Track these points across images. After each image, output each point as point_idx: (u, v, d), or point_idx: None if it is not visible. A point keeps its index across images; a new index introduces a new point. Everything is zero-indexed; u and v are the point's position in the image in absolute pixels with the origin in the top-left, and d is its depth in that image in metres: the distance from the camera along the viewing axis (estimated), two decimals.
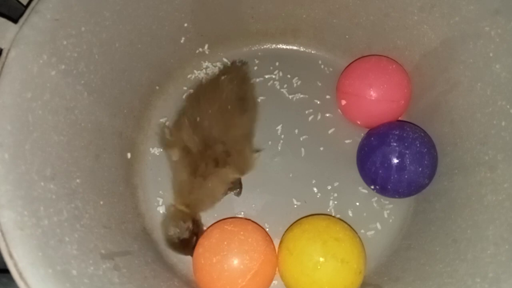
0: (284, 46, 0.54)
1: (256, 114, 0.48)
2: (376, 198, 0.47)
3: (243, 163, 0.44)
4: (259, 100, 0.51)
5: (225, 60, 0.53)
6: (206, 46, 0.53)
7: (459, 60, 0.41)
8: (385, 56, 0.49)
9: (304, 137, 0.49)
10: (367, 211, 0.46)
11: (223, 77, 0.46)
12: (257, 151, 0.46)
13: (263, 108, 0.51)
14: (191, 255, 0.42)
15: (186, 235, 0.42)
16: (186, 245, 0.42)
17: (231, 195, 0.47)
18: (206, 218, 0.46)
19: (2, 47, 0.32)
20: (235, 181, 0.45)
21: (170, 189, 0.46)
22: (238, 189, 0.46)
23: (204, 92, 0.46)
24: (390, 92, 0.46)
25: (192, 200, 0.42)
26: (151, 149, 0.49)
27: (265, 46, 0.54)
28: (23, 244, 0.28)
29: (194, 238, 0.42)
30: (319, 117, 0.51)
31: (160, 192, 0.47)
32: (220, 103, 0.43)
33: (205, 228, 0.45)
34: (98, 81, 0.40)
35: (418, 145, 0.42)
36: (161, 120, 0.50)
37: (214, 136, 0.42)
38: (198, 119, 0.43)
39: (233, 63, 0.51)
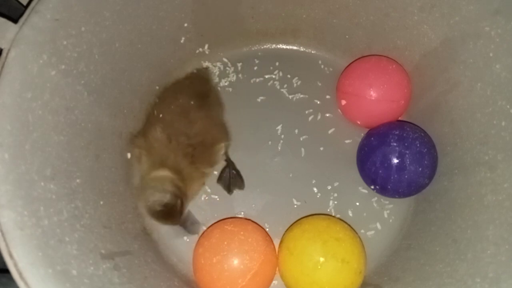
0: (284, 46, 0.54)
1: (220, 108, 0.48)
2: (376, 198, 0.47)
3: (210, 155, 0.43)
4: (259, 100, 0.51)
5: (225, 60, 0.53)
6: (206, 46, 0.53)
7: (459, 60, 0.41)
8: (385, 56, 0.49)
9: (304, 137, 0.49)
10: (367, 211, 0.46)
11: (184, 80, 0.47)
12: (226, 142, 0.45)
13: (263, 108, 0.51)
14: (179, 223, 0.39)
15: (167, 198, 0.37)
16: (171, 211, 0.38)
17: (235, 193, 0.47)
18: (206, 218, 0.46)
19: (2, 47, 0.32)
20: (233, 176, 0.45)
21: None
22: (240, 180, 0.46)
23: (167, 93, 0.46)
24: (390, 92, 0.46)
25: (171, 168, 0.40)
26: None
27: (265, 46, 0.54)
28: (23, 244, 0.28)
29: (179, 201, 0.38)
30: (319, 117, 0.51)
31: None
32: (182, 100, 0.43)
33: (204, 228, 0.45)
34: (98, 81, 0.40)
35: (418, 145, 0.42)
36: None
37: (178, 130, 0.41)
38: (160, 115, 0.43)
39: (198, 69, 0.51)
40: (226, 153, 0.46)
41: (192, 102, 0.43)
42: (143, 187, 0.39)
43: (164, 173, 0.39)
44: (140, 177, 0.42)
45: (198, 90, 0.46)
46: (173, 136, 0.41)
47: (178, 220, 0.39)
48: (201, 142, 0.42)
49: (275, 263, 0.41)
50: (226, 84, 0.52)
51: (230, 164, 0.47)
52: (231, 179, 0.46)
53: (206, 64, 0.53)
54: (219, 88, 0.52)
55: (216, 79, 0.52)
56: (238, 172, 0.47)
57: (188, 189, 0.41)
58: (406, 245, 0.44)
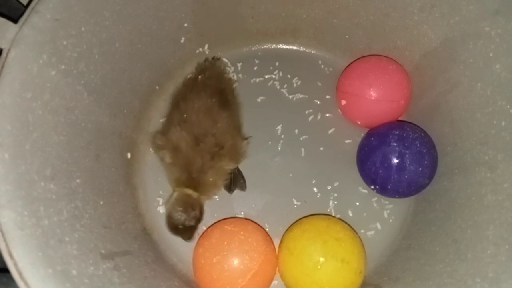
0: (284, 46, 0.54)
1: (238, 105, 0.48)
2: (376, 198, 0.47)
3: (236, 152, 0.44)
4: (259, 100, 0.51)
5: (225, 60, 0.53)
6: (206, 46, 0.52)
7: (459, 60, 0.41)
8: (385, 56, 0.49)
9: (304, 137, 0.49)
10: (367, 211, 0.46)
11: (200, 76, 0.47)
12: (246, 138, 0.46)
13: (263, 108, 0.51)
14: (190, 240, 0.42)
15: (192, 222, 0.41)
16: (190, 231, 0.42)
17: (235, 193, 0.47)
18: (206, 218, 0.46)
19: (2, 47, 0.32)
20: (235, 176, 0.45)
21: (171, 189, 0.46)
22: (242, 182, 0.46)
23: (183, 93, 0.46)
24: (390, 92, 0.46)
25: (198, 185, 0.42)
26: (151, 149, 0.49)
27: (265, 46, 0.54)
28: (23, 244, 0.28)
29: (198, 224, 0.42)
30: (319, 117, 0.51)
31: (160, 192, 0.47)
32: (204, 99, 0.43)
33: (204, 228, 0.45)
34: (98, 81, 0.40)
35: (418, 145, 0.42)
36: (161, 120, 0.50)
37: (204, 130, 0.42)
38: (185, 115, 0.43)
39: (206, 60, 0.51)
40: None
41: (214, 100, 0.43)
42: (171, 197, 0.42)
43: (193, 195, 0.41)
44: (168, 180, 0.44)
45: (218, 86, 0.46)
46: (200, 137, 0.41)
47: (190, 238, 0.42)
48: (226, 140, 0.42)
49: (275, 263, 0.41)
50: None
51: None
52: (232, 179, 0.46)
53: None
54: (234, 81, 0.51)
55: (230, 72, 0.52)
56: (240, 172, 0.47)
57: (210, 192, 0.43)
58: (406, 245, 0.44)
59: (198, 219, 0.42)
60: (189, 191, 0.41)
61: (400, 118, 0.49)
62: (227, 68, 0.53)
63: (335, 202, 0.46)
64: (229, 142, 0.43)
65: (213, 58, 0.51)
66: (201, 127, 0.42)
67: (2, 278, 0.35)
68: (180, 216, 0.41)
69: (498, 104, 0.38)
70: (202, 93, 0.44)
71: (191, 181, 0.41)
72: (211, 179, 0.42)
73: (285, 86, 0.52)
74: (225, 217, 0.45)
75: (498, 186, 0.37)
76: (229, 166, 0.43)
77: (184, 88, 0.47)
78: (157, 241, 0.45)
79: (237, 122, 0.46)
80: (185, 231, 0.42)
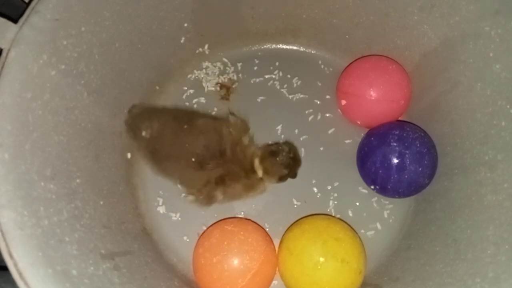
0: (284, 46, 0.54)
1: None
2: (376, 198, 0.47)
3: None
4: (259, 100, 0.51)
5: (225, 60, 0.53)
6: (206, 46, 0.53)
7: (459, 60, 0.41)
8: (385, 56, 0.49)
9: (304, 137, 0.49)
10: (367, 211, 0.46)
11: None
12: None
13: (263, 108, 0.51)
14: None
15: (287, 147, 0.43)
16: (295, 164, 0.44)
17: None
18: (206, 218, 0.46)
19: (2, 47, 0.32)
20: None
21: (171, 189, 0.46)
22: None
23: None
24: (390, 92, 0.46)
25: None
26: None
27: (265, 46, 0.54)
28: (23, 244, 0.28)
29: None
30: (319, 117, 0.51)
31: (160, 192, 0.47)
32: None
33: (204, 228, 0.45)
34: (98, 81, 0.40)
35: (418, 145, 0.42)
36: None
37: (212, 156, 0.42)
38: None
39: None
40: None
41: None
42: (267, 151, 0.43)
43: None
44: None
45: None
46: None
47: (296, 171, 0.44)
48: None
49: (275, 263, 0.41)
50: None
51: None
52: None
53: (206, 64, 0.53)
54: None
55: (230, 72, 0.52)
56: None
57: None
58: (406, 245, 0.44)
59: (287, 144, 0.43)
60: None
61: (400, 118, 0.49)
62: (227, 68, 0.53)
63: (335, 202, 0.47)
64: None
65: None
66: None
67: (4, 276, 0.35)
68: (283, 156, 0.42)
69: (498, 104, 0.38)
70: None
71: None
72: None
73: (285, 86, 0.52)
74: (225, 217, 0.45)
75: (498, 186, 0.37)
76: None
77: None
78: (157, 241, 0.45)
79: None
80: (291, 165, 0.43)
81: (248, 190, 0.43)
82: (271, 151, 0.43)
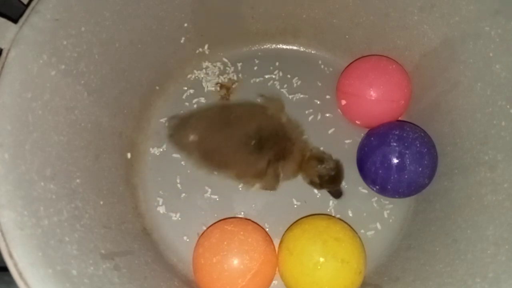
0: (284, 46, 0.54)
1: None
2: (376, 198, 0.47)
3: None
4: (259, 100, 0.51)
5: (225, 60, 0.53)
6: (206, 46, 0.53)
7: (459, 60, 0.41)
8: (385, 56, 0.49)
9: (304, 137, 0.49)
10: (367, 211, 0.46)
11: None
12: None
13: None
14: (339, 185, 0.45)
15: (334, 164, 0.44)
16: (340, 173, 0.44)
17: (235, 193, 0.47)
18: (206, 218, 0.46)
19: (2, 47, 0.32)
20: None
21: (171, 189, 0.46)
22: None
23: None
24: (390, 92, 0.46)
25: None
26: (151, 149, 0.49)
27: (265, 46, 0.54)
28: (23, 244, 0.28)
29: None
30: (319, 117, 0.51)
31: (160, 192, 0.47)
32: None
33: (204, 228, 0.45)
34: (98, 81, 0.40)
35: (418, 145, 0.42)
36: (161, 120, 0.50)
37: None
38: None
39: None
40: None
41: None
42: (306, 160, 0.44)
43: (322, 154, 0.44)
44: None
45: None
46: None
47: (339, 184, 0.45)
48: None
49: (275, 263, 0.41)
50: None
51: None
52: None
53: (206, 64, 0.53)
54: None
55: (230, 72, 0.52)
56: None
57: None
58: (406, 245, 0.44)
59: (337, 164, 0.44)
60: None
61: (400, 118, 0.49)
62: (227, 68, 0.53)
63: (335, 202, 0.47)
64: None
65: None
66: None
67: (4, 277, 0.35)
68: (321, 169, 0.43)
69: (498, 104, 0.38)
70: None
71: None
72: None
73: (285, 86, 0.52)
74: (225, 217, 0.45)
75: (498, 186, 0.37)
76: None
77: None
78: (157, 241, 0.45)
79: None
80: (333, 179, 0.44)
81: (299, 168, 0.44)
82: (319, 156, 0.44)
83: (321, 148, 0.46)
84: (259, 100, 0.49)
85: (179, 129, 0.46)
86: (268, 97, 0.49)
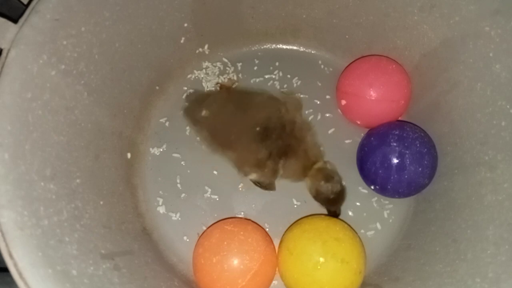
0: (284, 46, 0.54)
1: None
2: (376, 198, 0.47)
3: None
4: (279, 93, 0.51)
5: (225, 60, 0.53)
6: (206, 46, 0.53)
7: (459, 60, 0.41)
8: (385, 56, 0.49)
9: (321, 148, 0.49)
10: (367, 211, 0.46)
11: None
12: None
13: None
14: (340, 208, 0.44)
15: (338, 188, 0.43)
16: (339, 199, 0.44)
17: (235, 193, 0.47)
18: (206, 218, 0.46)
19: (2, 47, 0.32)
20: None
21: (171, 189, 0.46)
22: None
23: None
24: (390, 92, 0.46)
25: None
26: (151, 149, 0.49)
27: (265, 46, 0.54)
28: (23, 244, 0.28)
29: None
30: (319, 117, 0.51)
31: (160, 192, 0.47)
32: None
33: (204, 228, 0.45)
34: (98, 81, 0.40)
35: (418, 145, 0.42)
36: (161, 120, 0.50)
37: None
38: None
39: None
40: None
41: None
42: (312, 176, 0.44)
43: (328, 167, 0.44)
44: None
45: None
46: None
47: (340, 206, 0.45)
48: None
49: (275, 263, 0.41)
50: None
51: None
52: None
53: (206, 64, 0.53)
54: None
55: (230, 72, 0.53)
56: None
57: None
58: (406, 245, 0.44)
59: (341, 189, 0.43)
60: (319, 165, 0.43)
61: (400, 118, 0.49)
62: (227, 68, 0.53)
63: None
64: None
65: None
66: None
67: (6, 277, 0.35)
68: (326, 188, 0.43)
69: (498, 104, 0.38)
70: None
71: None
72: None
73: (285, 86, 0.52)
74: (225, 217, 0.45)
75: (498, 186, 0.37)
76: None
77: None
78: (157, 241, 0.45)
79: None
80: (336, 200, 0.43)
81: (304, 172, 0.44)
82: (328, 174, 0.43)
83: (322, 148, 0.46)
84: (282, 94, 0.49)
85: (195, 103, 0.48)
86: (289, 94, 0.49)
